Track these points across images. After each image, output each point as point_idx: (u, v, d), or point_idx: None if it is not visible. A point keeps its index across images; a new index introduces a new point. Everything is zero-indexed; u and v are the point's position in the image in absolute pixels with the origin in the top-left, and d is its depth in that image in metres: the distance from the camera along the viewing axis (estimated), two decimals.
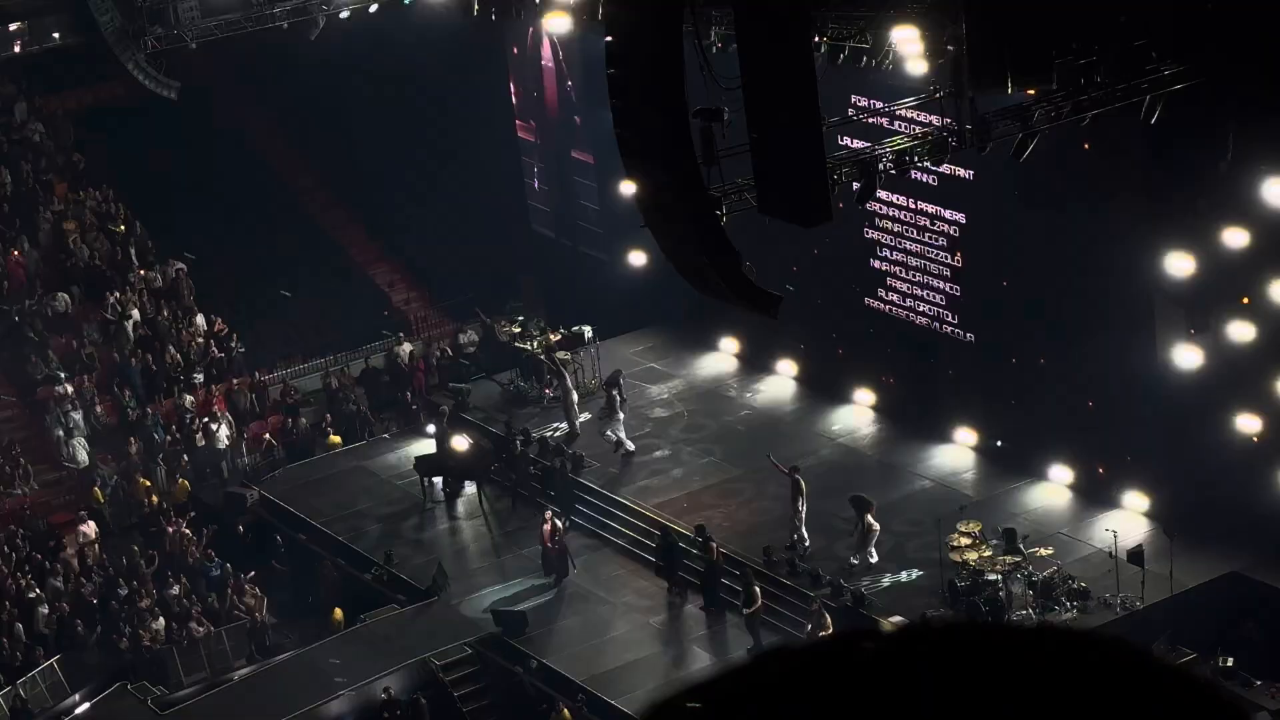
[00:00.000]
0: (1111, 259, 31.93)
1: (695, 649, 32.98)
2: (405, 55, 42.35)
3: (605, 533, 36.06)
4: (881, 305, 37.32)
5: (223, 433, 40.07)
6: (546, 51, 42.73)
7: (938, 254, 35.93)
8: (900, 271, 36.83)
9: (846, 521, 33.71)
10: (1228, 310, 30.71)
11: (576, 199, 43.14)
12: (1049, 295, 33.71)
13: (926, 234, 36.06)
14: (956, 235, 35.47)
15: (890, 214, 36.40)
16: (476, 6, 31.85)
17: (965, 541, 32.14)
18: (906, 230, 36.42)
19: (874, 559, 33.15)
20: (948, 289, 35.96)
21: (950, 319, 36.08)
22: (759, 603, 32.57)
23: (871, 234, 36.96)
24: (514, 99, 44.19)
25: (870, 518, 33.19)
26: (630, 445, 38.07)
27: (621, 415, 38.22)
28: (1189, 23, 26.13)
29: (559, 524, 35.25)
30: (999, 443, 35.70)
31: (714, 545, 33.80)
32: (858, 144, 33.79)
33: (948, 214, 35.50)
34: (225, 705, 32.38)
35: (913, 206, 36.00)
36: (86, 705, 32.91)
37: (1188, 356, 31.28)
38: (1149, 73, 27.01)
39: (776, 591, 33.08)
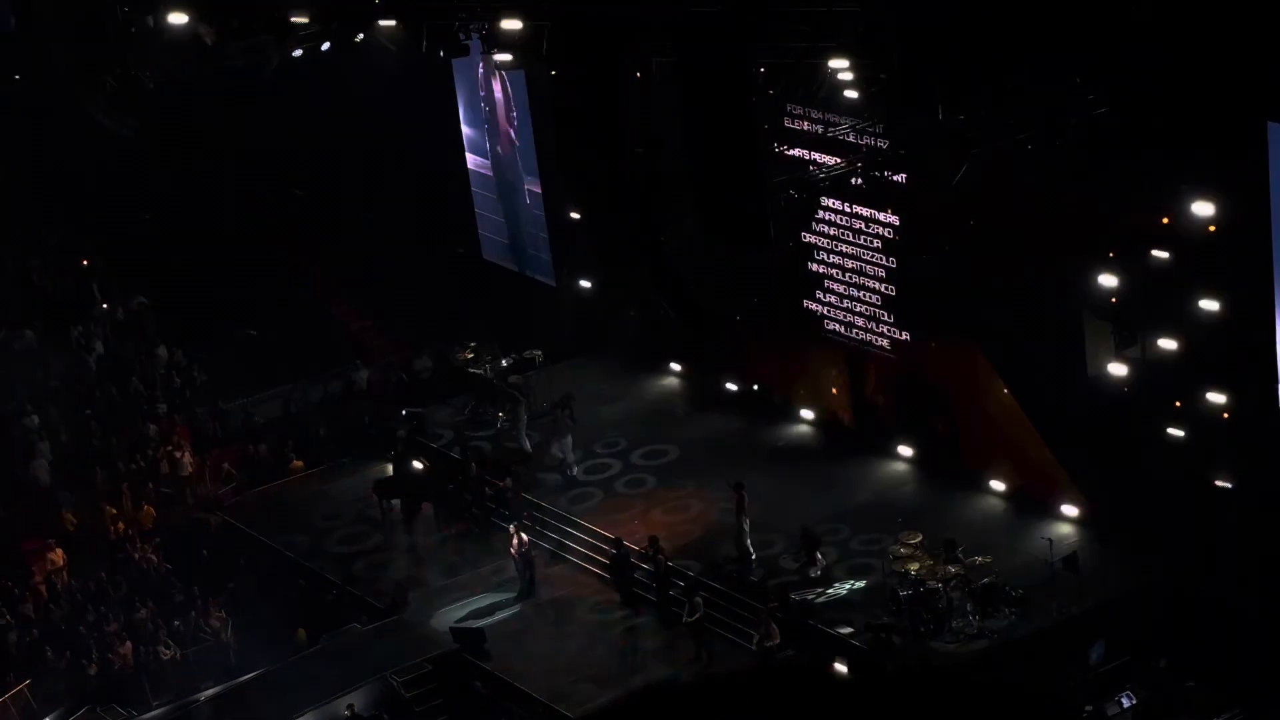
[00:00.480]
0: (1042, 275, 32.01)
1: (649, 660, 32.88)
2: (358, 91, 42.17)
3: (558, 549, 35.93)
4: (819, 308, 37.31)
5: (186, 459, 39.87)
6: (496, 86, 42.65)
7: (873, 256, 35.95)
8: (836, 275, 36.78)
9: (791, 539, 33.81)
10: (1153, 325, 30.85)
11: (526, 228, 43.04)
12: (982, 310, 33.77)
13: (862, 237, 36.06)
14: (892, 238, 35.50)
15: (827, 219, 36.34)
16: (425, 44, 31.72)
17: (907, 552, 32.17)
18: (843, 235, 36.38)
19: (818, 572, 33.16)
20: (884, 289, 35.97)
21: (886, 322, 36.10)
22: (700, 612, 32.54)
23: (809, 238, 36.94)
24: (464, 132, 44.08)
25: (819, 554, 33.26)
26: (575, 469, 38.04)
27: (569, 437, 38.18)
28: (1111, 52, 26.21)
29: (524, 536, 35.23)
30: (937, 456, 35.78)
31: (663, 558, 33.79)
32: (799, 158, 33.95)
33: (882, 216, 35.55)
34: None
35: (848, 210, 35.95)
36: None
37: (1116, 369, 31.42)
38: (1075, 98, 27.10)
39: (725, 603, 33.02)
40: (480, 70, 42.19)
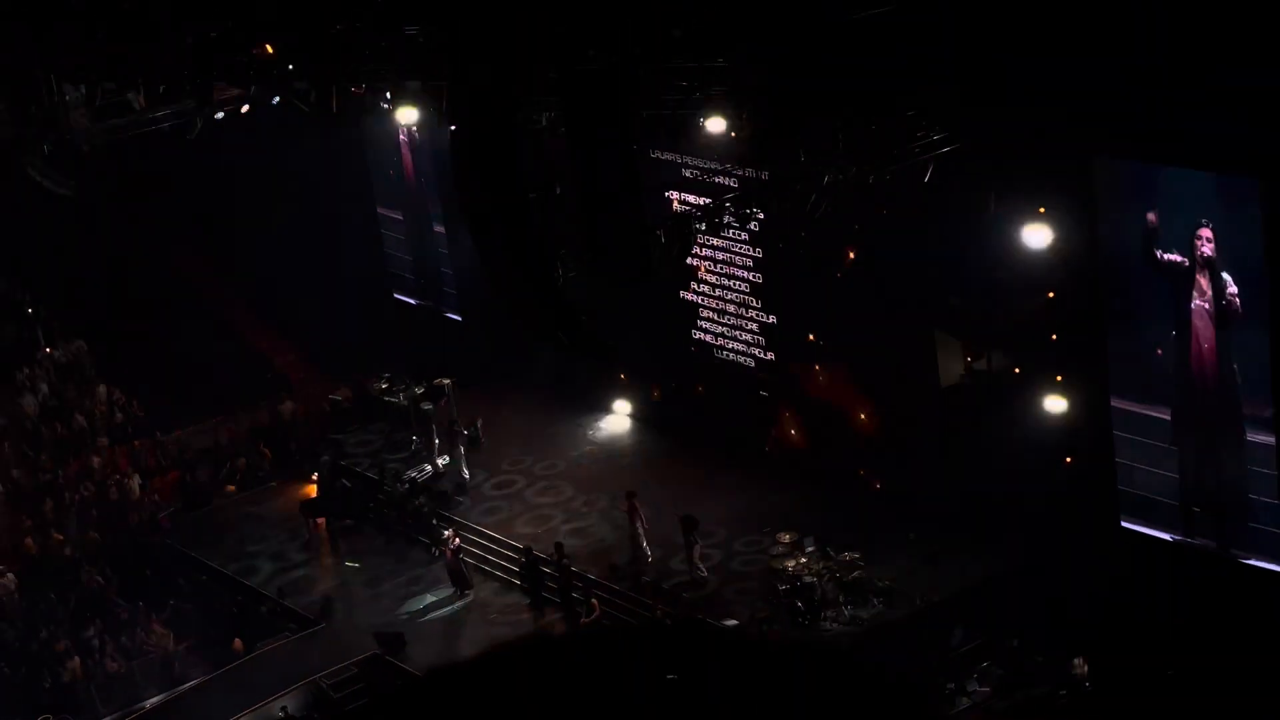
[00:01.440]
0: (897, 297, 32.44)
1: None
2: (275, 147, 42.27)
3: (471, 558, 36.10)
4: (703, 344, 37.70)
5: (134, 484, 39.78)
6: (402, 138, 42.87)
7: (743, 294, 36.39)
8: (713, 303, 37.21)
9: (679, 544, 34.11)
10: (996, 341, 31.33)
11: (435, 267, 43.22)
12: (844, 331, 34.20)
13: (736, 277, 36.47)
14: (757, 278, 35.93)
15: (703, 254, 36.76)
16: (335, 104, 31.89)
17: (784, 550, 32.53)
18: (717, 267, 36.79)
19: (703, 572, 33.44)
20: (753, 324, 36.39)
21: (759, 351, 36.52)
22: (597, 612, 32.85)
23: (691, 281, 37.35)
24: (374, 181, 44.22)
25: (695, 537, 33.53)
26: (468, 476, 38.45)
27: (464, 451, 38.52)
28: (953, 97, 26.75)
29: (457, 540, 35.44)
30: (810, 463, 36.08)
31: (566, 563, 34.07)
32: (676, 208, 34.31)
33: (749, 272, 35.98)
34: None
35: (720, 244, 36.38)
36: None
37: (964, 380, 31.89)
38: (920, 139, 27.64)
39: (624, 603, 33.29)
40: (389, 123, 42.38)
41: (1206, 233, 27.40)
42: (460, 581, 35.20)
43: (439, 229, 42.40)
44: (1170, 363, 28.58)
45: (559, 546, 34.33)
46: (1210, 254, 27.44)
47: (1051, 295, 30.07)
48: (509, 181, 26.82)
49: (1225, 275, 27.33)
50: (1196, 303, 27.94)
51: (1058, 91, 25.61)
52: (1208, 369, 28.16)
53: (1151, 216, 28.01)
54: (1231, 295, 27.36)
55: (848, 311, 33.89)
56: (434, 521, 36.92)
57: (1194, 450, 28.70)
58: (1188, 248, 27.65)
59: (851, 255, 33.34)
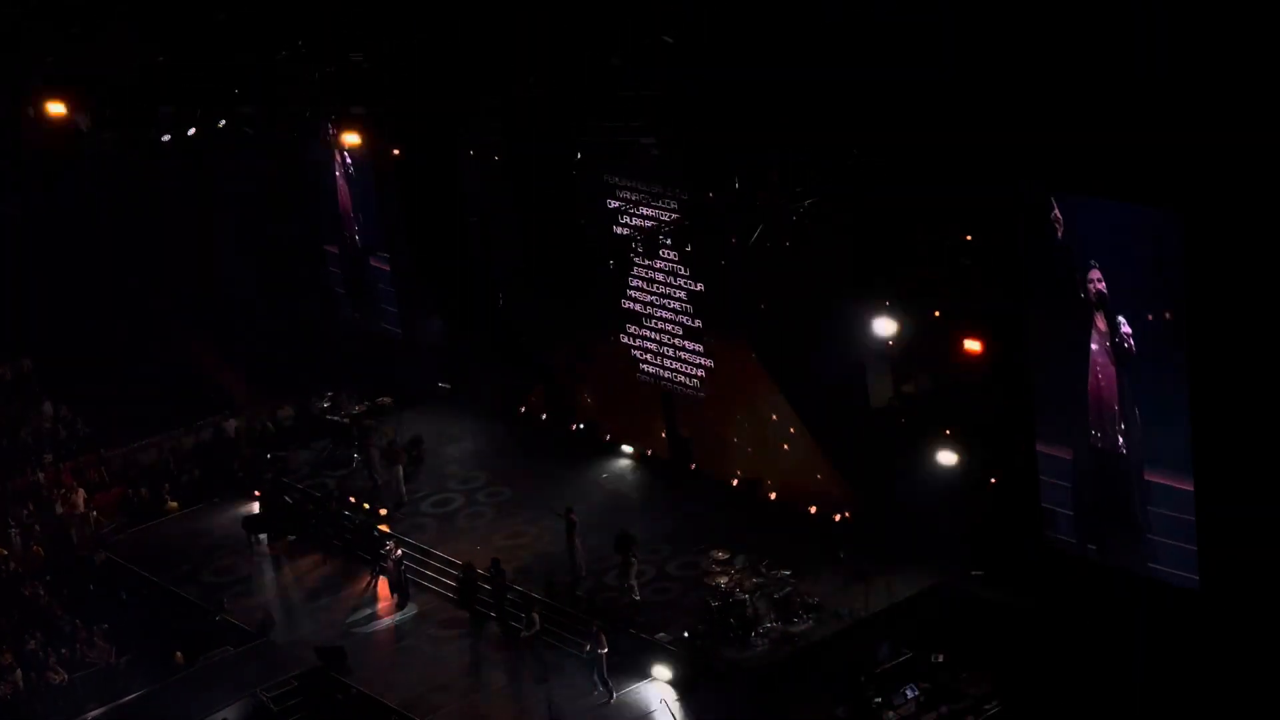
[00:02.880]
0: (829, 321, 32.51)
1: (493, 671, 33.09)
2: (221, 170, 42.19)
3: (410, 574, 35.99)
4: (639, 362, 37.79)
5: (79, 500, 39.56)
6: (338, 172, 42.67)
7: (679, 314, 36.53)
8: (649, 321, 37.15)
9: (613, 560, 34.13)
10: (927, 367, 31.47)
11: (376, 287, 43.09)
12: (779, 353, 34.28)
13: (672, 297, 36.61)
14: (692, 299, 36.05)
15: (640, 274, 36.63)
16: (280, 128, 32.04)
17: (717, 568, 32.62)
18: (653, 286, 36.70)
19: (636, 594, 33.46)
20: (689, 343, 36.56)
21: (694, 371, 36.68)
22: (537, 626, 32.86)
23: (627, 300, 37.49)
24: (320, 211, 43.96)
25: (632, 555, 33.60)
26: (404, 494, 38.32)
27: (401, 469, 38.54)
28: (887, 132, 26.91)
29: (400, 552, 35.40)
30: (738, 482, 36.23)
31: (502, 579, 34.08)
32: (614, 230, 34.40)
33: (685, 292, 36.13)
34: None
35: (657, 265, 36.40)
36: None
37: (893, 403, 32.04)
38: (852, 168, 27.84)
39: (560, 617, 33.29)
40: (333, 154, 42.29)
41: (1096, 273, 27.35)
42: (402, 594, 35.15)
43: (381, 254, 42.21)
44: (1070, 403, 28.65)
45: (495, 563, 34.34)
46: (1103, 291, 27.35)
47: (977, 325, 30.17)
48: (451, 204, 27.03)
49: (1119, 316, 27.28)
50: (1095, 345, 27.94)
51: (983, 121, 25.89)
52: (1105, 409, 28.18)
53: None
54: (1125, 334, 27.28)
55: (780, 333, 33.98)
56: (375, 534, 36.85)
57: (1092, 491, 28.79)
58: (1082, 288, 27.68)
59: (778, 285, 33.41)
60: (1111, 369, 27.84)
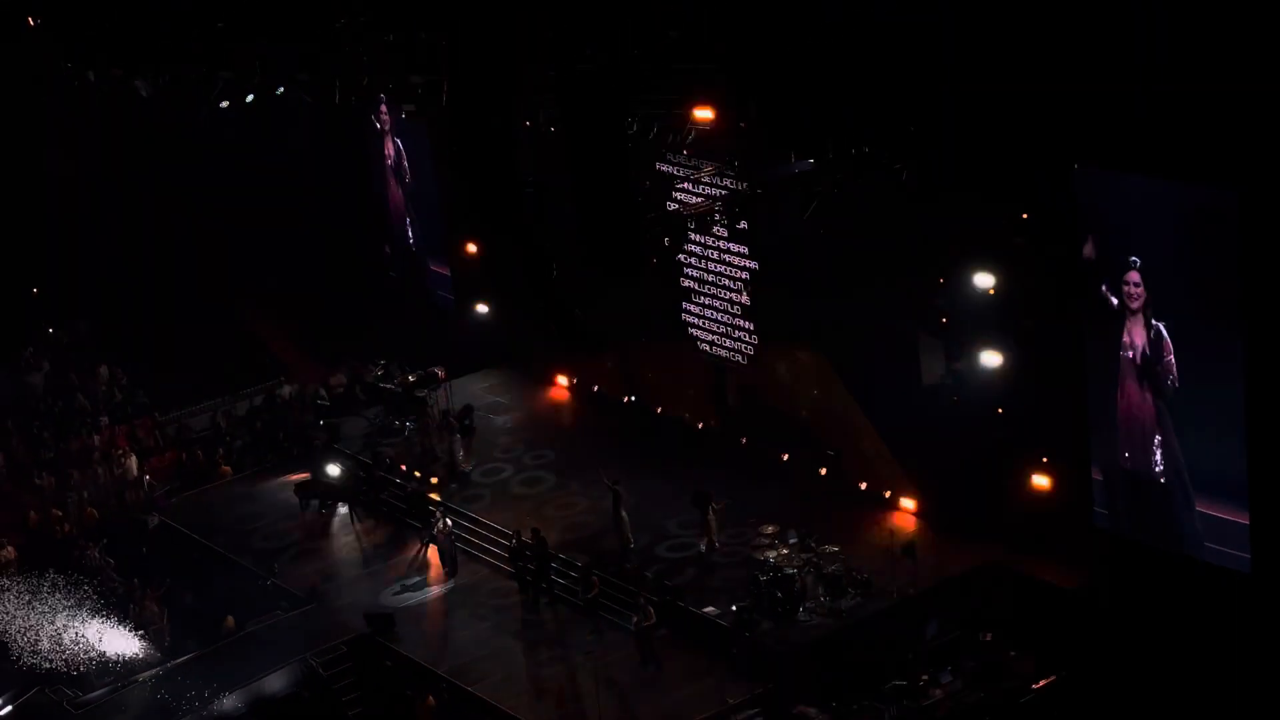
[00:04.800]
0: (882, 298, 32.28)
1: (540, 639, 32.96)
2: (279, 137, 42.10)
3: (460, 542, 35.90)
4: (692, 336, 37.51)
5: (132, 464, 39.60)
6: (389, 146, 42.62)
7: (732, 289, 36.26)
8: (701, 297, 36.99)
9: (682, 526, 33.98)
10: (979, 343, 31.18)
11: (429, 257, 43.04)
12: (830, 328, 34.04)
13: (725, 273, 36.33)
14: (746, 274, 35.77)
15: (694, 250, 36.56)
16: (338, 97, 31.82)
17: (765, 541, 32.42)
18: (707, 263, 36.59)
19: (715, 545, 33.34)
20: (741, 318, 36.27)
21: (743, 339, 36.38)
22: (595, 590, 32.68)
23: (681, 276, 37.24)
24: (375, 181, 43.96)
25: (711, 509, 33.47)
26: (468, 466, 38.07)
27: (459, 439, 38.34)
28: (937, 104, 26.62)
29: (448, 522, 35.28)
30: (789, 456, 35.99)
31: (547, 548, 33.92)
32: (668, 205, 34.17)
33: (739, 268, 35.84)
34: (132, 703, 31.97)
35: (711, 241, 36.20)
36: (9, 708, 32.29)
37: (947, 380, 31.76)
38: (908, 144, 27.47)
39: (608, 589, 33.12)
40: (387, 117, 42.19)
41: (1135, 276, 26.50)
42: (450, 564, 35.03)
43: (434, 220, 42.16)
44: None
45: (535, 532, 34.17)
46: (1138, 303, 26.49)
47: (1032, 298, 29.85)
48: (505, 175, 26.73)
49: (1160, 324, 26.35)
50: (1125, 355, 27.25)
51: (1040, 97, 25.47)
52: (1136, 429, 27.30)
53: (1088, 248, 27.37)
54: (1168, 361, 26.22)
55: (835, 310, 33.72)
56: (427, 506, 36.75)
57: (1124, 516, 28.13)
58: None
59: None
60: (1145, 385, 27.02)
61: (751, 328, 36.00)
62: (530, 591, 33.95)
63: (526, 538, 34.22)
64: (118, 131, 42.74)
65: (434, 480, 37.82)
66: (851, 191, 28.56)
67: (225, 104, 32.92)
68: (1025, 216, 28.68)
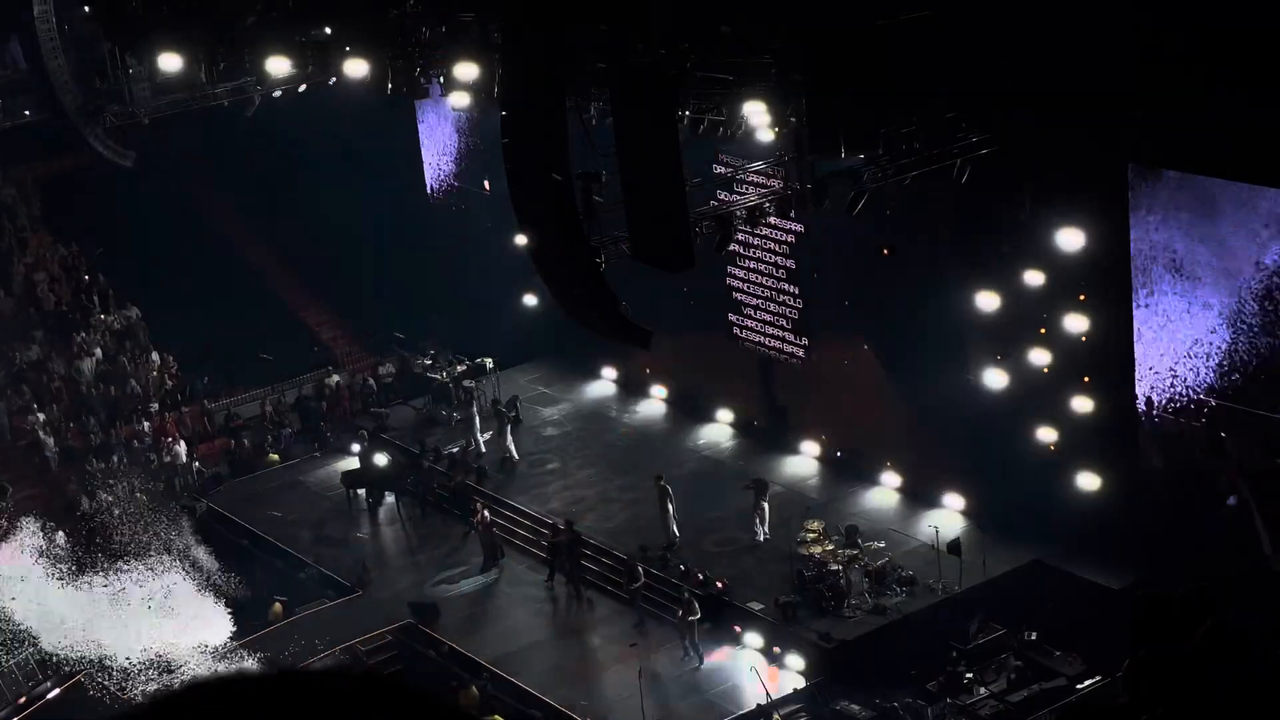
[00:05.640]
0: (931, 295, 32.17)
1: (585, 630, 32.97)
2: (331, 127, 42.12)
3: (504, 533, 35.88)
4: (739, 331, 37.47)
5: (181, 450, 39.71)
6: (449, 127, 42.68)
7: (781, 285, 36.12)
8: (749, 292, 36.93)
9: (736, 512, 33.76)
10: (1028, 339, 30.99)
11: (478, 250, 42.99)
12: (878, 326, 33.91)
13: (774, 267, 36.23)
14: (795, 270, 35.66)
15: (743, 245, 36.47)
16: (390, 86, 31.75)
17: (811, 537, 32.33)
18: (756, 258, 36.51)
19: (764, 536, 33.26)
20: (791, 304, 36.12)
21: (791, 333, 36.25)
22: (640, 581, 32.62)
23: (730, 271, 37.12)
24: (425, 165, 44.06)
25: (764, 500, 33.41)
26: (516, 455, 38.08)
27: (509, 430, 38.29)
28: (992, 99, 26.45)
29: (488, 514, 35.29)
30: (839, 453, 35.92)
31: (582, 539, 33.99)
32: (718, 200, 34.02)
33: (788, 263, 35.71)
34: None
35: (760, 236, 36.11)
36: (57, 690, 32.43)
37: (994, 378, 31.56)
38: (959, 140, 27.32)
39: (652, 582, 33.07)
40: (440, 108, 42.18)
41: None
42: (492, 554, 35.04)
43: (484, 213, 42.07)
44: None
45: (569, 524, 34.16)
46: None
47: (1083, 298, 29.72)
48: (557, 168, 26.62)
49: None
50: None
51: (1093, 96, 25.30)
52: None
53: None
54: None
55: (881, 306, 33.57)
56: (469, 497, 36.76)
57: None
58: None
59: (886, 252, 32.99)
60: None
61: (799, 321, 35.87)
62: (563, 582, 33.92)
63: (562, 529, 34.22)
64: (173, 117, 42.80)
65: (477, 465, 37.85)
66: (901, 188, 28.41)
67: (278, 93, 33.00)
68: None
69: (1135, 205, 28.29)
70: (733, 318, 37.38)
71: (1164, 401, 29.28)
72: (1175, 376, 29.10)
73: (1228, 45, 23.91)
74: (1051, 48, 25.13)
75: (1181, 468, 29.33)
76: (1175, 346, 28.92)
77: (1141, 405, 29.50)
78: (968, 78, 25.46)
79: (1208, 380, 28.76)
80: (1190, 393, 29.03)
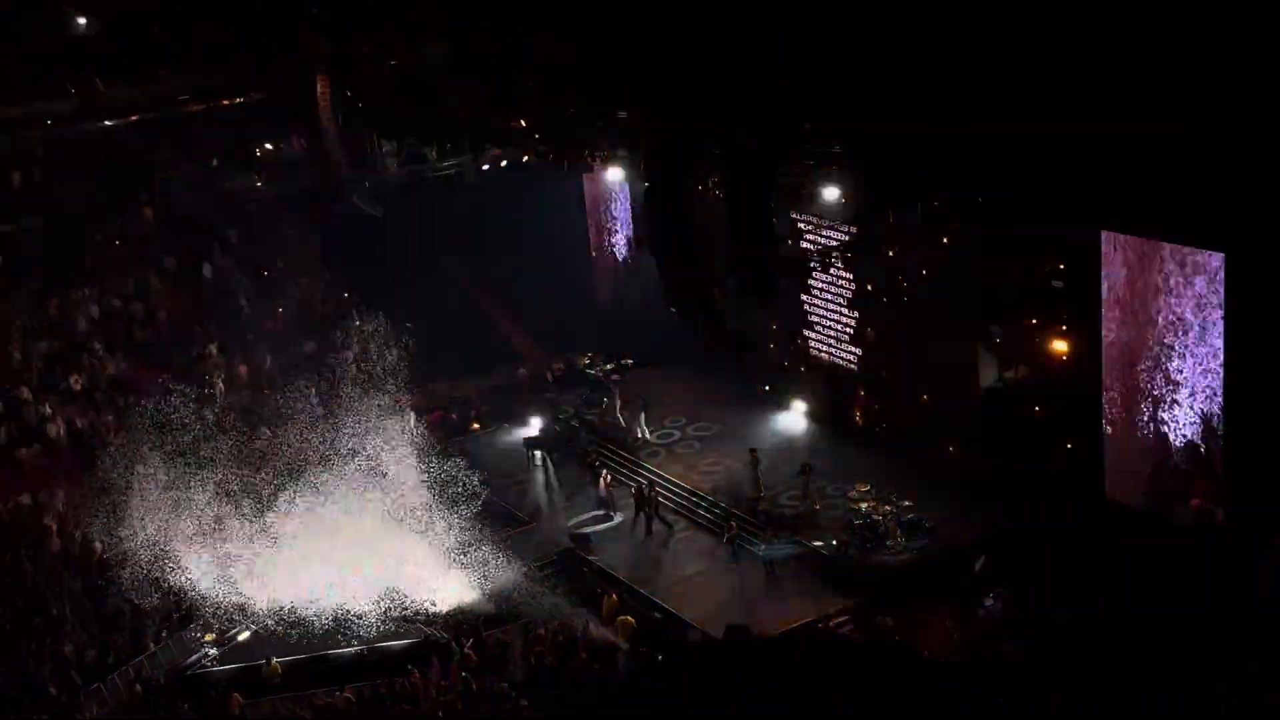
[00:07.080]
0: (952, 317, 31.92)
1: (693, 556, 33.08)
2: (525, 190, 42.64)
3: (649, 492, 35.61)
4: (811, 336, 37.39)
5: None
6: (610, 191, 43.01)
7: (845, 304, 36.02)
8: (821, 316, 36.73)
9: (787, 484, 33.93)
10: (1022, 358, 30.66)
11: (626, 286, 43.37)
12: (917, 341, 33.73)
13: (839, 293, 36.23)
14: (855, 294, 35.58)
15: (817, 283, 36.44)
16: (567, 165, 32.41)
17: (858, 495, 32.36)
18: (826, 292, 36.35)
19: (815, 505, 33.23)
20: (851, 325, 35.96)
21: (850, 347, 36.23)
22: (733, 530, 32.80)
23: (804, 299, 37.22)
24: (589, 224, 44.31)
25: (808, 477, 33.34)
26: (649, 435, 38.13)
27: (644, 415, 38.33)
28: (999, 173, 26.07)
29: (608, 478, 35.48)
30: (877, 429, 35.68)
31: (655, 496, 33.81)
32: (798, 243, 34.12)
33: (850, 277, 35.66)
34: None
35: (830, 277, 36.09)
36: (230, 643, 29.86)
37: (998, 384, 31.23)
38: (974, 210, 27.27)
39: (745, 530, 33.08)
40: (602, 181, 42.54)
41: None
42: (609, 508, 34.94)
43: (634, 258, 42.40)
44: None
45: (650, 484, 34.15)
46: None
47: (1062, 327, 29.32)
48: (684, 225, 27.03)
49: None
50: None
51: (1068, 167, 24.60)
52: None
53: None
54: None
55: (915, 325, 33.46)
56: (596, 464, 36.83)
57: None
58: None
59: (904, 283, 32.85)
60: None
61: (858, 337, 35.83)
62: (653, 525, 33.85)
63: (644, 487, 34.33)
64: (412, 184, 43.22)
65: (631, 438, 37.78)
66: (934, 240, 28.46)
67: (486, 167, 33.59)
68: (1061, 267, 28.32)
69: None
70: (809, 337, 37.31)
71: None
72: None
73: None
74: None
75: None
76: None
77: None
78: (976, 160, 25.37)
79: None
80: None
